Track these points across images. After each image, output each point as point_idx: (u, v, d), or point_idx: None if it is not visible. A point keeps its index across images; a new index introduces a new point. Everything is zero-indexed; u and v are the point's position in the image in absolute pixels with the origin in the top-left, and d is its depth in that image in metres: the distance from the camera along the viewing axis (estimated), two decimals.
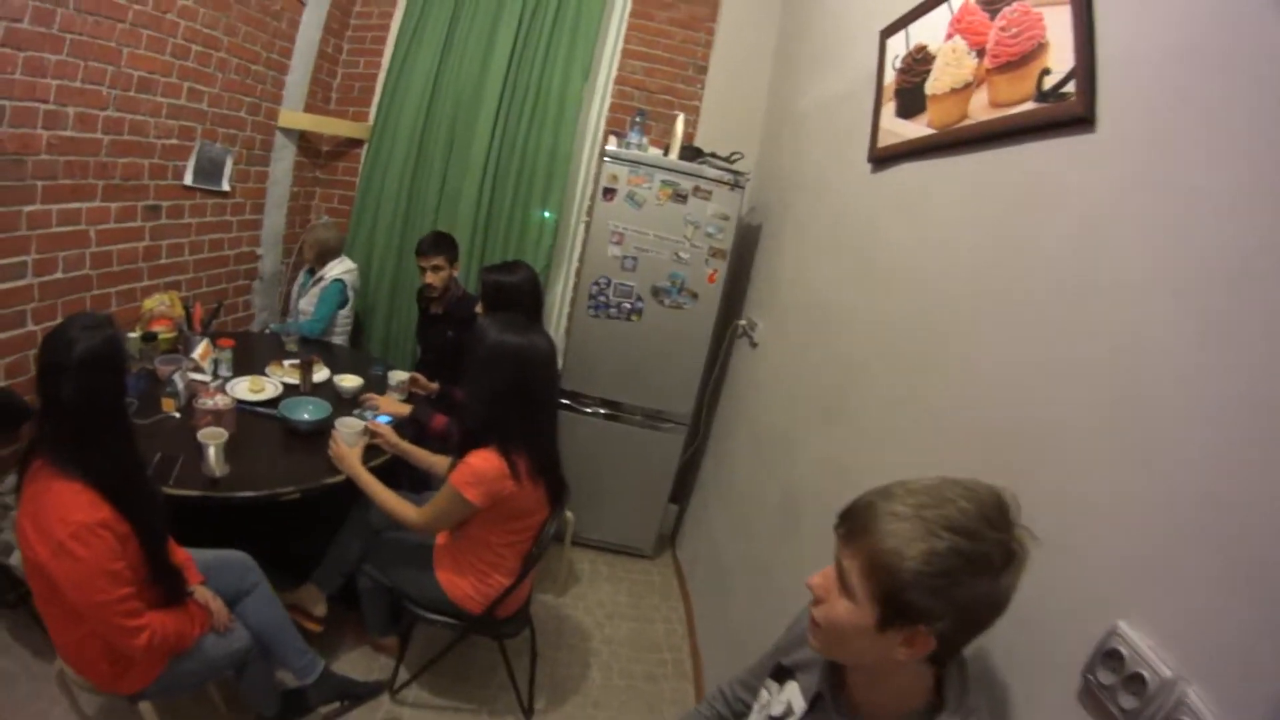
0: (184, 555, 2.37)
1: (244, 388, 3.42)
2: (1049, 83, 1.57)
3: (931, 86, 2.14)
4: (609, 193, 3.77)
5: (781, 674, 1.44)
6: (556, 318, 4.87)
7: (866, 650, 1.09)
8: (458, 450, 2.50)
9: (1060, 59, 1.55)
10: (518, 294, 3.20)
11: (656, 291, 3.84)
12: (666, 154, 3.85)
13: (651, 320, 3.89)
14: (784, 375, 3.13)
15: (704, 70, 4.72)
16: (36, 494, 1.84)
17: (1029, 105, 1.65)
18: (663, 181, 3.71)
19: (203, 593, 2.34)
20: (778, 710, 1.38)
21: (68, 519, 1.77)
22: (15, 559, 2.74)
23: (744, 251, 4.01)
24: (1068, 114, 1.50)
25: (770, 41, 4.55)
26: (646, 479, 4.18)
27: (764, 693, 1.47)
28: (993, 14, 1.87)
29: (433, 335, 4.16)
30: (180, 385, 3.21)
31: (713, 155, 3.84)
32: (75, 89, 3.31)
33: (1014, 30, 1.74)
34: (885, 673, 1.15)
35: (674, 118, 4.17)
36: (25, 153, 3.16)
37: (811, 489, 2.58)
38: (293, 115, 4.65)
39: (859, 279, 2.51)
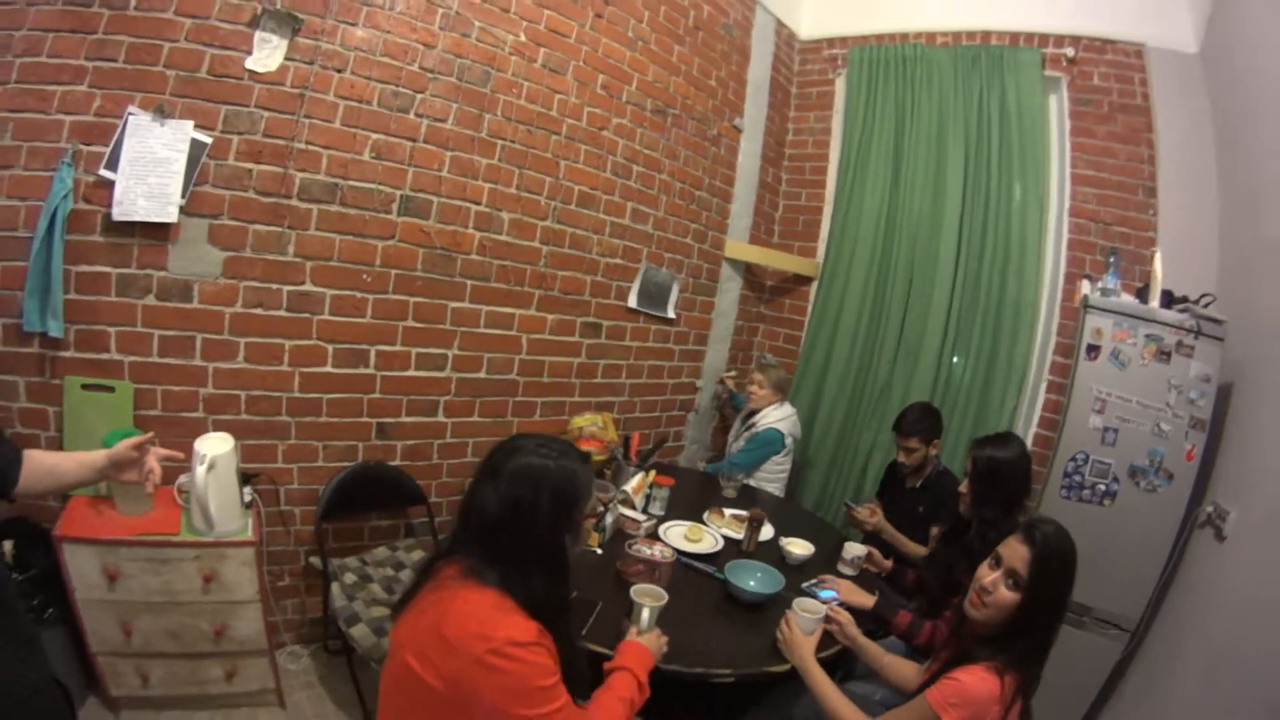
0: None
1: (679, 534, 2.56)
2: None
3: None
4: (1092, 350, 2.76)
5: None
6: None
7: None
8: (947, 663, 1.71)
9: None
10: (1011, 473, 2.35)
11: (1134, 471, 2.72)
12: (1143, 300, 2.84)
13: (1125, 505, 2.73)
14: (1268, 591, 2.12)
15: (1153, 193, 3.17)
16: (445, 605, 1.33)
17: None
18: (1147, 336, 2.71)
19: None
20: None
21: (491, 636, 1.27)
22: (357, 631, 2.34)
23: (1217, 420, 2.72)
24: None
25: (1210, 152, 3.08)
26: (1068, 691, 2.76)
27: None
28: None
29: (900, 507, 3.05)
30: (608, 518, 2.46)
31: (1184, 300, 2.77)
32: (509, 195, 2.93)
33: None
34: None
35: (1147, 256, 3.08)
36: (455, 250, 2.81)
37: None
38: (740, 246, 3.95)
39: None
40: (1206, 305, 2.69)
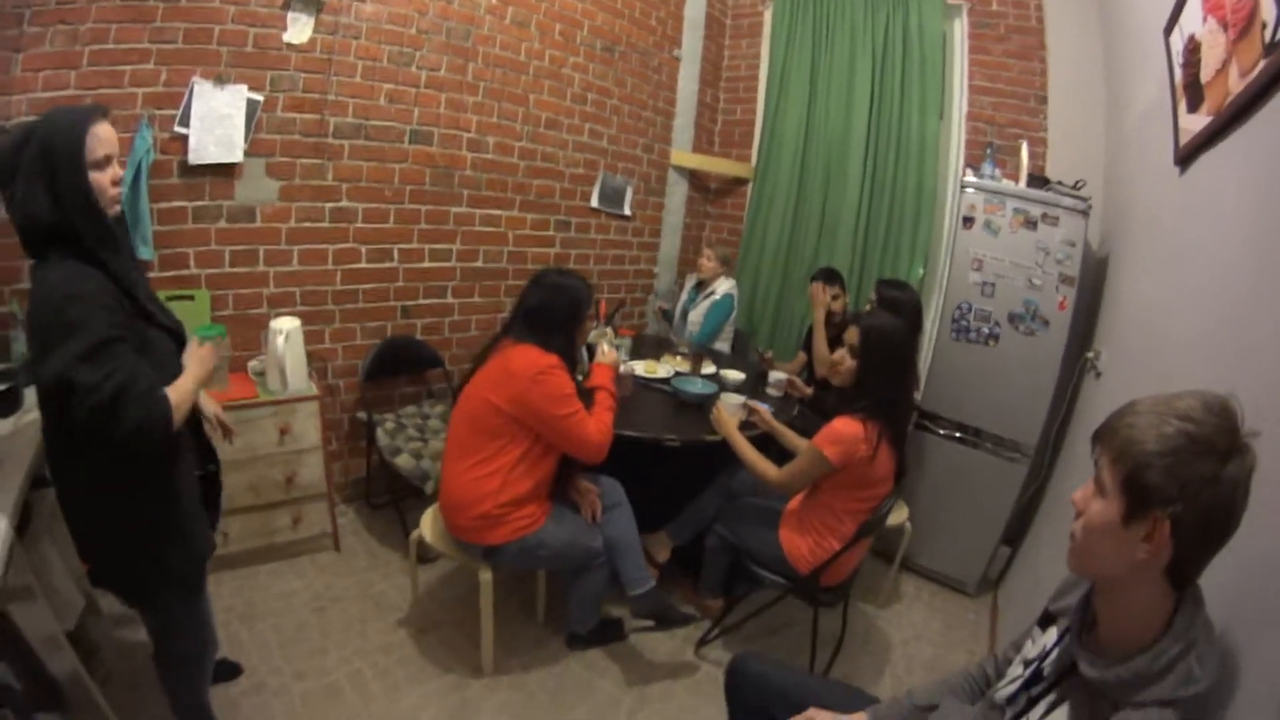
0: None
1: (641, 368, 3.21)
2: (1268, 35, 1.37)
3: (1204, 74, 1.81)
4: (968, 221, 3.25)
5: (1046, 620, 1.33)
6: (926, 341, 3.82)
7: (1113, 554, 1.01)
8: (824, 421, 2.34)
9: (1269, 7, 1.36)
10: (906, 307, 3.02)
11: (1012, 317, 3.20)
12: (1017, 184, 3.31)
13: (1007, 346, 3.23)
14: (1117, 402, 2.29)
15: (1044, 100, 3.75)
16: (507, 356, 2.20)
17: (1261, 64, 1.41)
18: (1014, 209, 3.16)
19: (586, 485, 2.48)
20: (1034, 653, 1.28)
21: (538, 363, 2.15)
22: (401, 460, 2.94)
23: (1096, 282, 3.20)
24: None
25: (1098, 63, 3.48)
26: (984, 511, 3.35)
27: (1029, 642, 1.34)
28: None
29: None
30: (584, 358, 3.04)
31: (1059, 183, 3.23)
32: (492, 124, 3.53)
33: None
34: (1128, 588, 1.03)
35: (1037, 153, 3.60)
36: (453, 168, 3.43)
37: None
38: (682, 155, 4.56)
39: (1173, 288, 2.03)
40: (1079, 187, 3.16)
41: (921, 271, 4.03)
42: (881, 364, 2.27)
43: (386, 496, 3.32)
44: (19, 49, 2.28)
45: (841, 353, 2.34)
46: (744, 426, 2.64)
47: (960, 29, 3.89)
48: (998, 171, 3.36)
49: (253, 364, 2.85)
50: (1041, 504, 3.28)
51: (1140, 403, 1.01)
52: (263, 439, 2.67)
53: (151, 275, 2.58)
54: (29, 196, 1.33)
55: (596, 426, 2.25)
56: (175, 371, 1.55)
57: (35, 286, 1.35)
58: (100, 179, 1.40)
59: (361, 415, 3.24)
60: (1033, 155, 3.52)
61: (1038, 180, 3.24)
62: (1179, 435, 0.93)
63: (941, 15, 3.87)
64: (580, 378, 2.86)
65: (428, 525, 2.48)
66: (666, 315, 4.39)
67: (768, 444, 2.68)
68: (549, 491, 2.35)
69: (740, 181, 4.75)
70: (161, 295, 2.58)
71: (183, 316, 2.54)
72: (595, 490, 2.48)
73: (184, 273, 2.72)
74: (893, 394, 2.31)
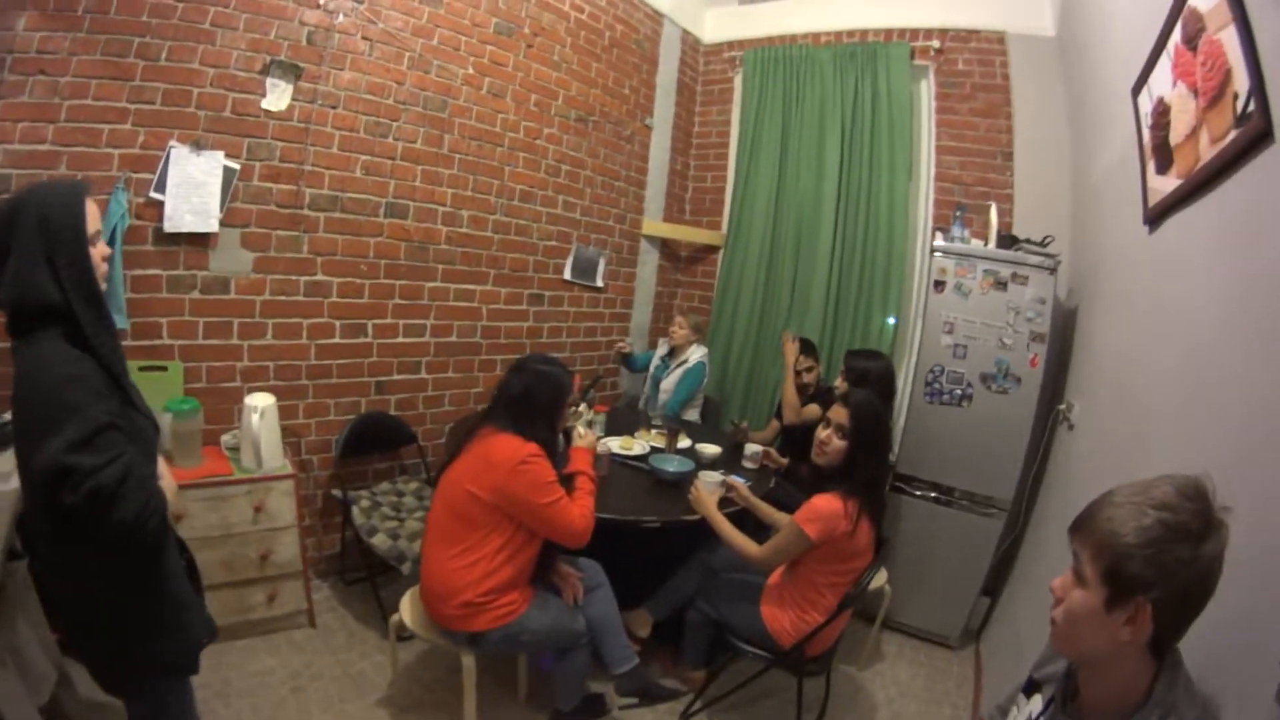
0: None
1: (617, 444, 3.20)
2: (1239, 106, 1.41)
3: (1173, 137, 1.85)
4: (939, 285, 3.31)
5: (1031, 688, 1.35)
6: (899, 405, 3.84)
7: (1096, 636, 1.03)
8: (805, 496, 2.35)
9: (1241, 79, 1.40)
10: (874, 377, 3.09)
11: (984, 377, 3.24)
12: (986, 244, 3.37)
13: (980, 405, 3.26)
14: (1094, 454, 2.51)
15: (1010, 157, 3.86)
16: (488, 446, 2.16)
17: (1232, 134, 1.45)
18: (984, 271, 3.22)
19: (567, 569, 2.44)
20: (1021, 718, 1.32)
21: (519, 452, 2.11)
22: (378, 539, 2.85)
23: (1066, 335, 3.27)
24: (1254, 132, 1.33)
25: (1062, 118, 3.60)
26: (962, 566, 3.36)
27: (1014, 709, 1.38)
28: (1194, 50, 1.68)
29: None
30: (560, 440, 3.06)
31: (1027, 241, 3.30)
32: (467, 196, 3.54)
33: (1207, 62, 1.59)
34: (1110, 664, 1.06)
35: (1003, 210, 3.64)
36: (428, 242, 3.41)
37: None
38: (654, 224, 4.60)
39: (1143, 343, 2.11)
40: (1047, 244, 3.20)
41: (894, 320, 4.08)
42: (872, 443, 2.31)
43: (361, 572, 3.20)
44: None
45: (829, 433, 2.35)
46: (722, 503, 2.62)
47: (927, 89, 4.04)
48: (966, 232, 3.43)
49: (226, 438, 2.78)
50: (1019, 554, 3.30)
51: (1117, 493, 1.04)
52: (237, 516, 2.60)
53: (124, 345, 2.49)
54: (26, 274, 1.29)
55: (579, 511, 2.22)
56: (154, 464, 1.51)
57: (25, 365, 1.31)
58: (94, 254, 1.38)
59: (336, 492, 3.12)
60: (1000, 213, 3.60)
61: (1006, 240, 3.32)
62: (1157, 525, 0.96)
63: (909, 76, 4.01)
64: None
65: (407, 609, 2.39)
66: (626, 359, 4.28)
67: (745, 516, 2.67)
68: (531, 577, 2.31)
69: (711, 248, 4.81)
70: (134, 366, 2.50)
71: (156, 389, 2.46)
72: (576, 574, 2.45)
73: (157, 343, 2.66)
74: (880, 472, 2.38)
